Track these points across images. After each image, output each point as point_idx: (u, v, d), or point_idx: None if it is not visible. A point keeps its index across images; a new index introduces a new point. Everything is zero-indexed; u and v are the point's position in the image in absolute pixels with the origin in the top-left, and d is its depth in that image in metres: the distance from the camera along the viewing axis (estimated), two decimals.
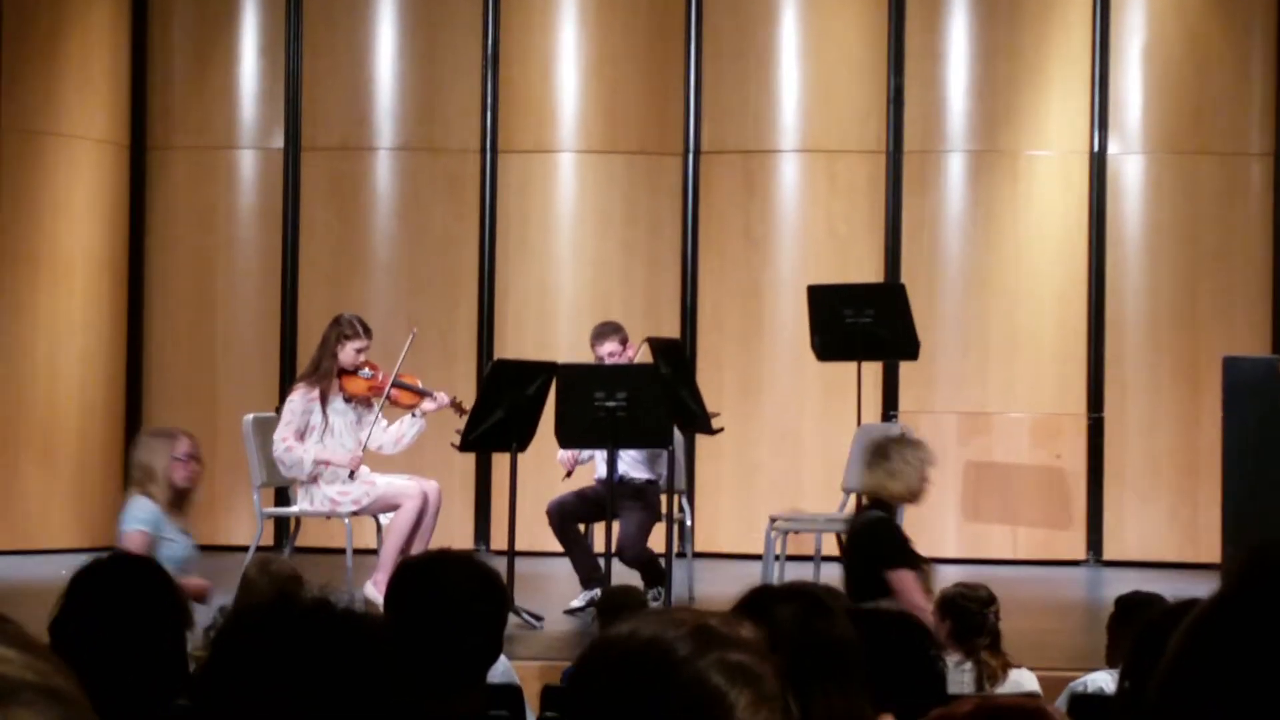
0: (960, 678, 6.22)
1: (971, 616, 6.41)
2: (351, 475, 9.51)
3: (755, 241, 12.32)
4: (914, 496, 7.51)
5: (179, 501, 7.75)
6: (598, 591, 8.97)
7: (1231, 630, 1.44)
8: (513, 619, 8.42)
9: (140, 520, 7.68)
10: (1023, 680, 6.45)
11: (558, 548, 9.71)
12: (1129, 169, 12.20)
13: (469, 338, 12.39)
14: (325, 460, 9.48)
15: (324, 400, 9.56)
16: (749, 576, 8.79)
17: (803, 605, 2.87)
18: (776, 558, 9.50)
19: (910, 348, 10.28)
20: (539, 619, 8.78)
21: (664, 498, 9.63)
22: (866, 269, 12.09)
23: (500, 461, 9.86)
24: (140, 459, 7.80)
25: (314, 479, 9.52)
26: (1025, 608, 9.36)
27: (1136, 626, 2.74)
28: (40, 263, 11.90)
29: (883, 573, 7.14)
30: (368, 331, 9.68)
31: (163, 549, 7.64)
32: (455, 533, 11.46)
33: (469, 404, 9.19)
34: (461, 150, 12.48)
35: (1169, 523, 11.94)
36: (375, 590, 8.94)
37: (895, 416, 11.84)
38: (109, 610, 3.45)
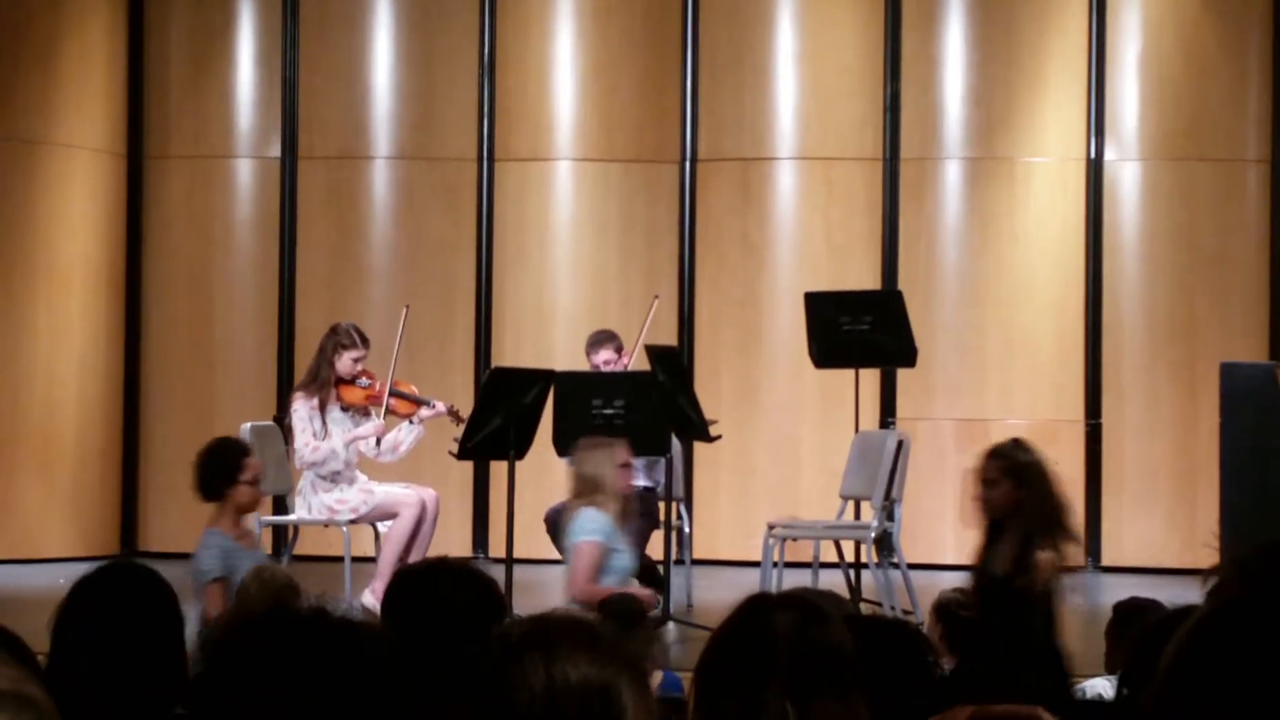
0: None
1: (963, 623, 6.37)
2: (378, 442, 9.58)
3: (752, 249, 12.32)
4: None
5: (624, 511, 7.65)
6: None
7: (1228, 637, 1.44)
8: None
9: (594, 531, 7.56)
10: None
11: (556, 555, 9.70)
12: (1126, 175, 12.21)
13: (466, 346, 12.39)
14: (355, 437, 9.57)
15: (322, 409, 9.60)
16: (747, 583, 8.80)
17: (800, 612, 2.86)
18: (774, 565, 9.50)
19: (908, 355, 10.27)
20: None
21: (662, 505, 9.63)
22: (864, 276, 12.09)
23: (498, 469, 9.85)
24: (585, 471, 7.70)
25: (351, 479, 9.57)
26: None
27: (1134, 632, 2.74)
28: (38, 272, 11.90)
29: None
30: (365, 341, 9.70)
31: (613, 560, 7.53)
32: (453, 541, 11.45)
33: (466, 412, 9.19)
34: (458, 159, 12.48)
35: (1167, 529, 11.94)
36: (373, 598, 8.93)
37: (893, 424, 11.84)
38: (109, 618, 3.45)
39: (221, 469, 7.43)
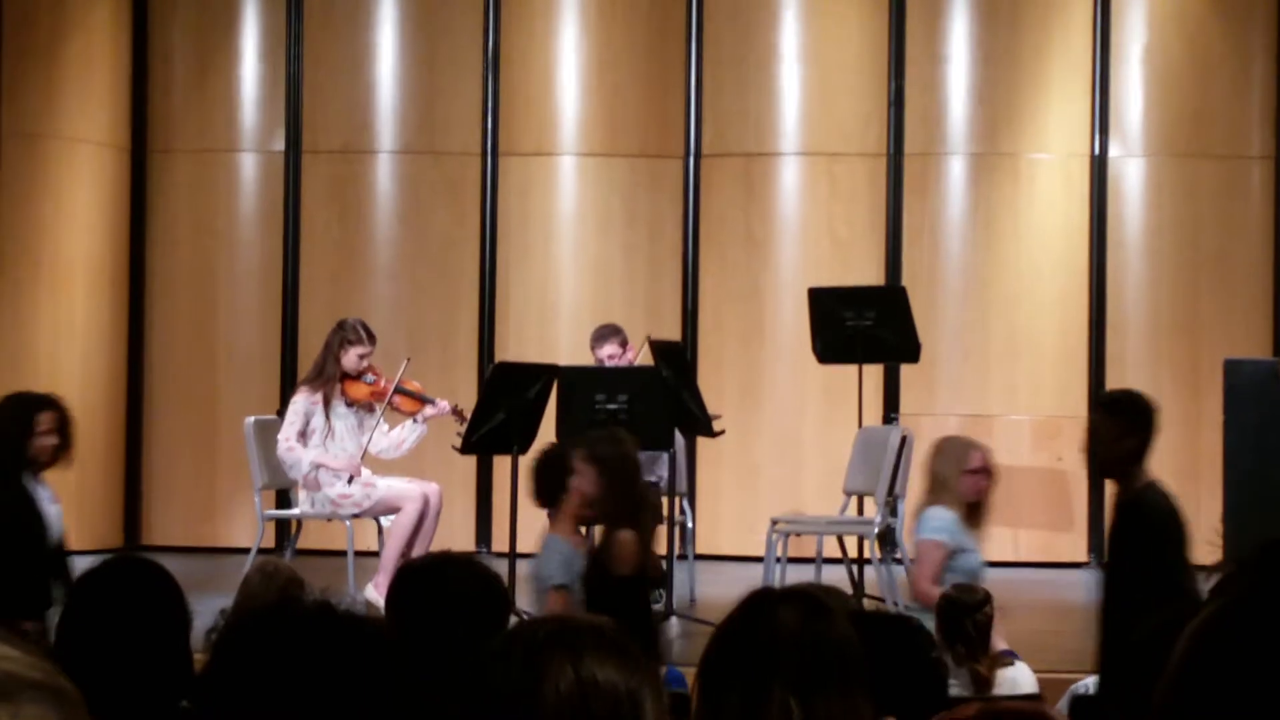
0: (963, 679, 6.20)
1: (953, 621, 6.36)
2: (350, 480, 9.55)
3: (756, 244, 12.32)
4: None
5: (974, 513, 7.55)
6: None
7: (1236, 635, 1.44)
8: (514, 621, 8.40)
9: (938, 530, 7.44)
10: (1019, 677, 6.43)
11: None
12: (1130, 172, 12.21)
13: (470, 341, 12.39)
14: (323, 464, 9.52)
15: (326, 404, 9.60)
16: (750, 579, 8.79)
17: (804, 607, 2.87)
18: (778, 560, 9.50)
19: (911, 350, 10.27)
20: None
21: (665, 500, 9.63)
22: (867, 272, 12.09)
23: (501, 464, 9.85)
24: (935, 468, 7.60)
25: (316, 485, 9.56)
26: (1026, 610, 9.37)
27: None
28: (41, 266, 11.90)
29: None
30: (371, 337, 9.71)
31: (959, 560, 7.41)
32: (456, 535, 11.46)
33: (469, 411, 9.20)
34: (462, 153, 12.48)
35: None
36: (376, 593, 8.95)
37: (896, 419, 11.84)
38: (114, 613, 3.45)
39: (555, 474, 7.31)
